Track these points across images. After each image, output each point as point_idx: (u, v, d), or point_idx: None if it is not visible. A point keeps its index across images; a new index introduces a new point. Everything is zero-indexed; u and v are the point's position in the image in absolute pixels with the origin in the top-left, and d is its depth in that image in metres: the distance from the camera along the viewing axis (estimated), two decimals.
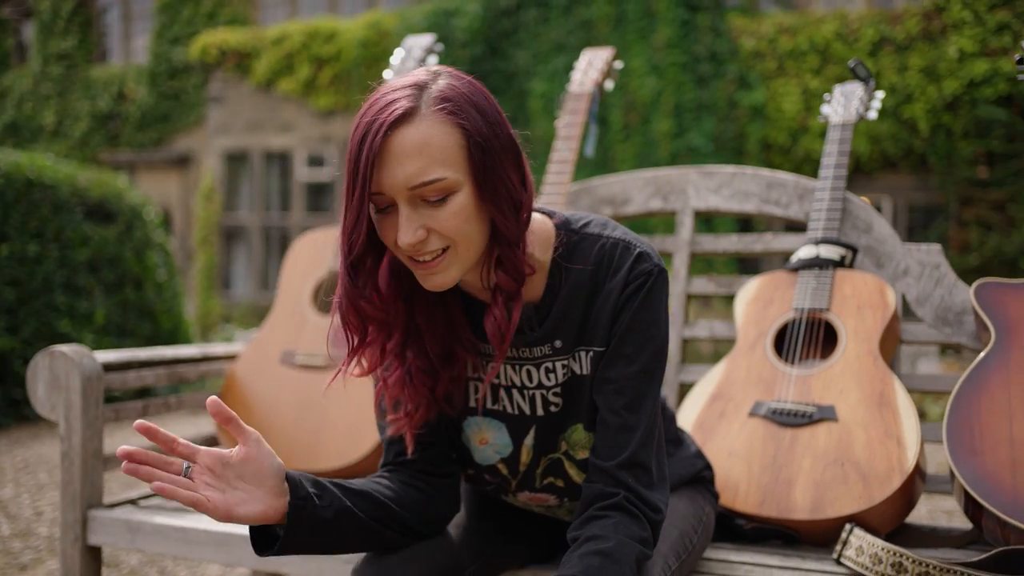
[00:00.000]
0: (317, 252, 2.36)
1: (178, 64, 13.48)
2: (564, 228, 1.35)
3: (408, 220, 1.18)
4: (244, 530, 1.79)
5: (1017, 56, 2.05)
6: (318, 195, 12.83)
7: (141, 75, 13.90)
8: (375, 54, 11.70)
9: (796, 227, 2.11)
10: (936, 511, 3.80)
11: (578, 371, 1.34)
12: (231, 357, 2.33)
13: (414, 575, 1.32)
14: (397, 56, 2.55)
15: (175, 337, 7.94)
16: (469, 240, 1.22)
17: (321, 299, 2.30)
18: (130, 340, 7.40)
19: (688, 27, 10.53)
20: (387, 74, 2.54)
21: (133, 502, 2.02)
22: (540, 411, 1.38)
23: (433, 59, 2.54)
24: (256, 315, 11.93)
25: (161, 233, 8.04)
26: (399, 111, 1.17)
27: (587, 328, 1.32)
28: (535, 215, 1.35)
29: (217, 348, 2.32)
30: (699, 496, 1.57)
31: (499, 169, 1.22)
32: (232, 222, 13.01)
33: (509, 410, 1.39)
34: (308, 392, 2.17)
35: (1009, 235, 9.30)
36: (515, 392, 1.38)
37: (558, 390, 1.36)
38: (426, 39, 2.56)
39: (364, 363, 1.33)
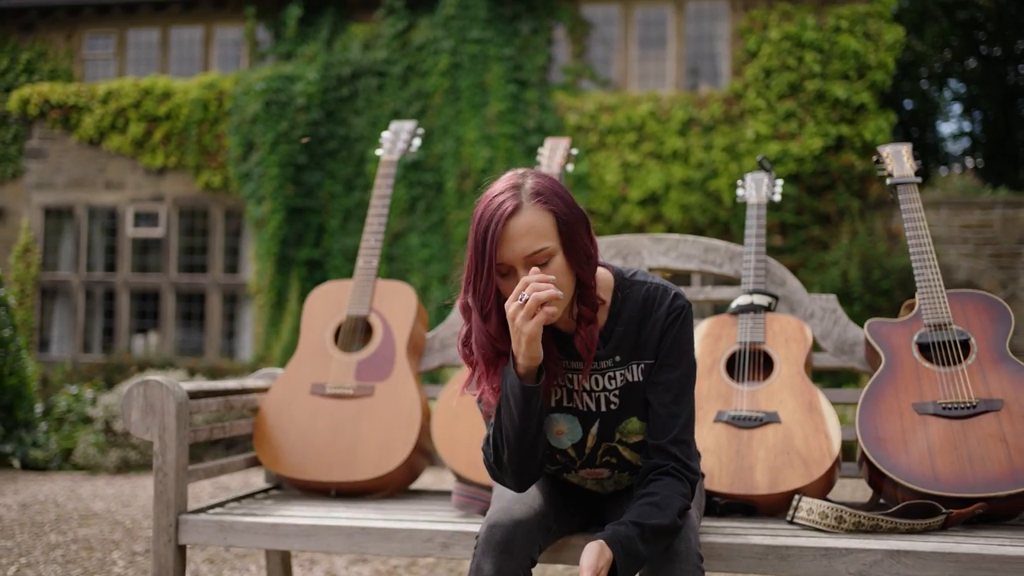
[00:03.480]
0: (332, 302, 2.78)
1: None
2: (620, 277, 1.92)
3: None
4: (328, 521, 2.20)
5: (875, 158, 2.80)
6: (145, 253, 12.70)
7: None
8: (213, 114, 11.85)
9: (725, 281, 2.74)
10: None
11: (631, 379, 1.89)
12: (263, 390, 2.71)
13: (530, 522, 1.82)
14: (386, 138, 3.02)
15: (21, 394, 7.78)
16: (565, 289, 1.78)
17: (343, 340, 2.72)
18: None
19: (518, 102, 11.37)
20: (379, 152, 3.00)
21: (203, 510, 2.36)
22: (603, 408, 1.92)
23: (417, 141, 3.03)
24: (78, 377, 11.58)
25: (3, 290, 7.91)
26: (509, 207, 1.74)
27: (639, 346, 1.88)
28: (599, 268, 1.90)
29: (250, 382, 2.70)
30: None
31: (577, 236, 1.79)
32: (52, 279, 12.64)
33: (580, 407, 1.93)
34: (340, 416, 2.59)
35: None
36: (585, 395, 1.91)
37: (616, 392, 1.90)
38: (409, 124, 3.06)
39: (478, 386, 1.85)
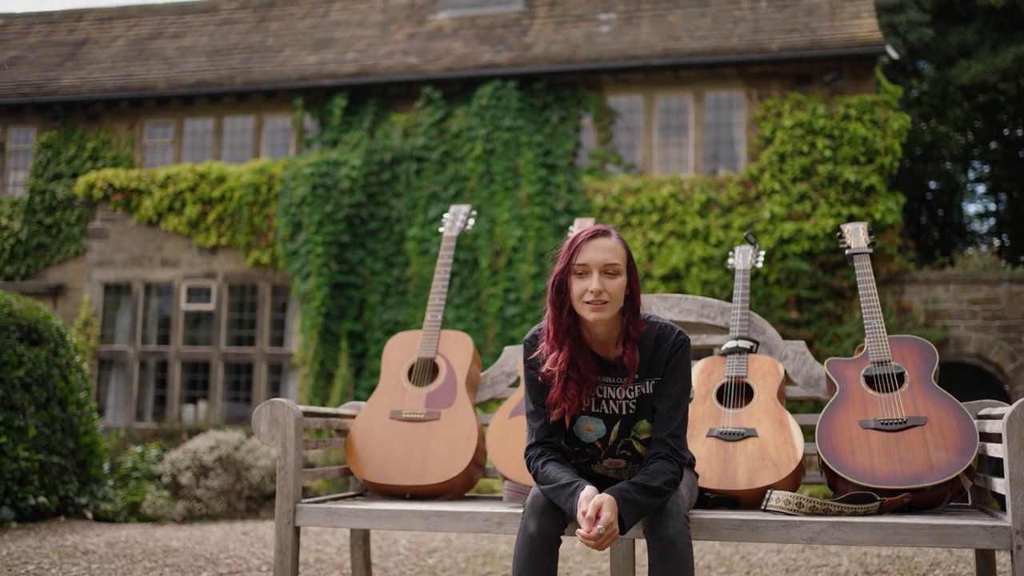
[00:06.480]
0: (406, 347, 3.51)
1: (62, 198, 14.08)
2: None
3: (598, 280, 2.47)
4: (411, 506, 2.88)
5: (837, 233, 3.50)
6: (197, 326, 13.52)
7: (16, 208, 14.37)
8: (263, 197, 12.74)
9: (717, 331, 3.43)
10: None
11: (644, 391, 2.59)
12: (351, 416, 3.42)
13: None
14: (447, 218, 3.77)
15: (93, 452, 8.50)
16: (617, 301, 2.51)
17: (415, 376, 3.44)
18: (56, 456, 7.97)
19: (547, 184, 12.20)
20: (441, 229, 3.75)
21: (312, 502, 3.05)
22: (624, 412, 2.61)
23: (471, 221, 3.78)
24: (132, 443, 12.26)
25: (79, 357, 8.69)
26: (603, 230, 2.52)
27: (652, 367, 2.58)
28: None
29: (342, 410, 3.42)
30: (690, 472, 2.81)
31: (634, 272, 2.56)
32: (109, 351, 13.46)
33: (606, 411, 2.62)
34: (413, 435, 3.29)
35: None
36: (611, 402, 2.61)
37: (634, 401, 2.60)
38: (465, 208, 3.81)
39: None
